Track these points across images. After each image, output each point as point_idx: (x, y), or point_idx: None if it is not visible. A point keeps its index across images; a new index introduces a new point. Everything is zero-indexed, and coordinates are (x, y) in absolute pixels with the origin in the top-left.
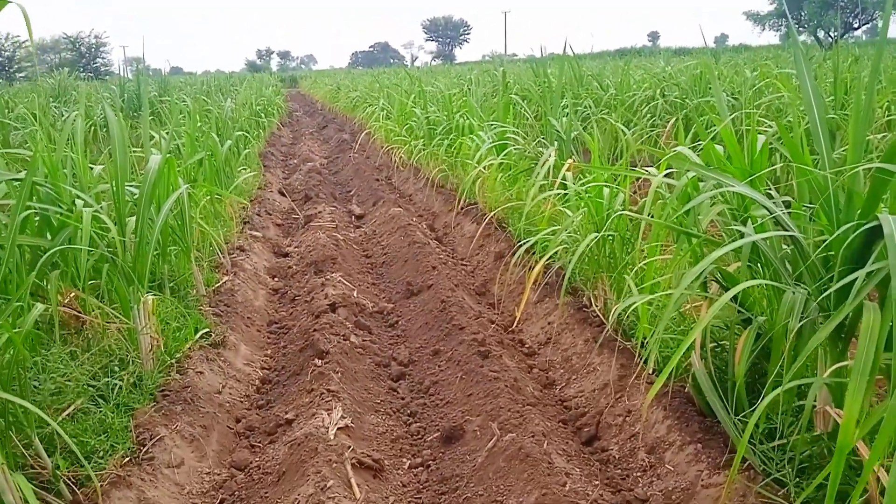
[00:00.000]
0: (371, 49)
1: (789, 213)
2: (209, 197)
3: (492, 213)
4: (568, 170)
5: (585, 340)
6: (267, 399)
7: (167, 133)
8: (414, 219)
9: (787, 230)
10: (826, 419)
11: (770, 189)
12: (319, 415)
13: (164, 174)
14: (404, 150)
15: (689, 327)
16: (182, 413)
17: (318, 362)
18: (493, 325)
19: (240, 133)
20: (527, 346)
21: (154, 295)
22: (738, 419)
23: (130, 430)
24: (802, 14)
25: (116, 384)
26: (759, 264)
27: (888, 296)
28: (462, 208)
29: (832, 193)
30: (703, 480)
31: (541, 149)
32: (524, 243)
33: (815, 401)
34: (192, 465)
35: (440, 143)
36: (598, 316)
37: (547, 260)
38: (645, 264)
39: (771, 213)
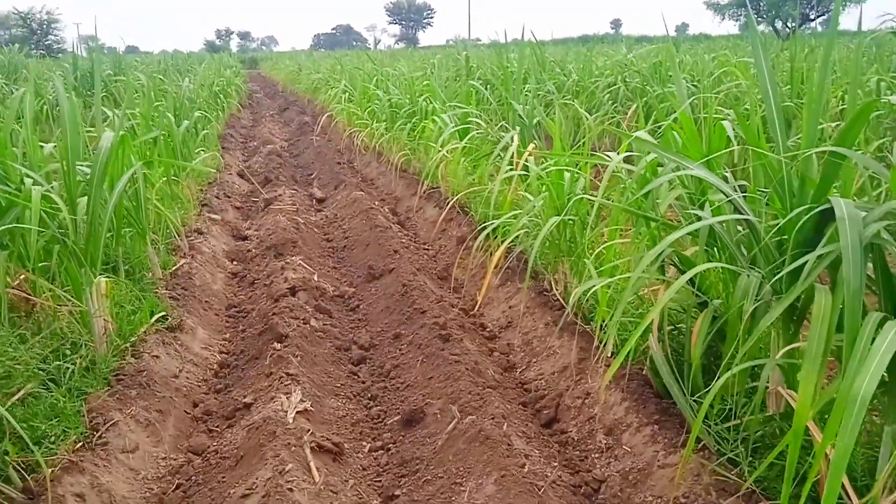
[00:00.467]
0: (333, 31)
1: (745, 197)
2: (165, 178)
3: (454, 198)
4: (530, 154)
5: (546, 324)
6: (225, 383)
7: (122, 112)
8: (376, 203)
9: (742, 214)
10: (778, 400)
11: (727, 172)
12: (278, 398)
13: (118, 154)
14: (367, 133)
15: (648, 310)
16: (137, 397)
17: (278, 346)
18: (454, 309)
19: (198, 114)
20: (488, 329)
21: (108, 277)
22: (694, 400)
23: (83, 415)
24: (761, 4)
25: (68, 368)
26: (715, 248)
27: (839, 278)
28: (425, 192)
29: (786, 178)
30: (659, 461)
31: (503, 133)
32: (486, 227)
33: (767, 382)
34: (148, 450)
35: (403, 127)
36: (558, 300)
37: (509, 244)
38: (604, 248)
39: (727, 197)
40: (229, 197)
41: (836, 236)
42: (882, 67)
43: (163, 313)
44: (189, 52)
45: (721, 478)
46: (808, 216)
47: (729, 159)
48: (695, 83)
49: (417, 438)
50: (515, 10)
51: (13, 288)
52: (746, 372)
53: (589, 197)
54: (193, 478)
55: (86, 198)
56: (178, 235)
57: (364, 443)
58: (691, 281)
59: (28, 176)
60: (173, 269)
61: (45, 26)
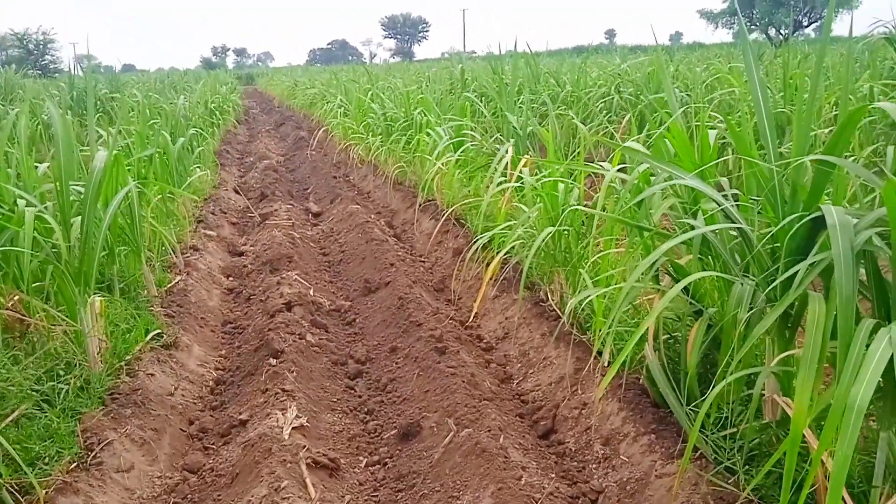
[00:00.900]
0: (329, 46)
1: (738, 205)
2: (161, 196)
3: (450, 210)
4: (524, 165)
5: (542, 334)
6: (221, 400)
7: (115, 131)
8: (372, 216)
9: (734, 222)
10: (774, 407)
11: (721, 179)
12: (274, 415)
13: (113, 172)
14: (362, 147)
15: (643, 319)
16: (132, 416)
17: (273, 362)
18: (450, 321)
19: (194, 131)
20: (484, 341)
21: (102, 296)
22: (691, 409)
23: (77, 435)
24: (754, 12)
25: (62, 388)
26: (709, 257)
27: (832, 285)
28: (420, 205)
29: (777, 186)
30: (657, 470)
31: (498, 145)
32: (481, 239)
33: (763, 389)
34: (143, 469)
35: (398, 140)
36: (554, 310)
37: (504, 255)
38: (599, 258)
39: (720, 206)
40: (225, 213)
41: (829, 244)
42: (874, 73)
43: (158, 331)
44: (185, 70)
45: (718, 487)
46: (800, 224)
47: (724, 167)
48: (688, 92)
49: (414, 452)
50: (510, 22)
51: (7, 309)
52: (742, 380)
53: (583, 208)
54: (189, 496)
55: (80, 217)
56: (174, 252)
57: (361, 458)
58: (686, 289)
59: (21, 197)
60: (169, 286)
61: (41, 46)
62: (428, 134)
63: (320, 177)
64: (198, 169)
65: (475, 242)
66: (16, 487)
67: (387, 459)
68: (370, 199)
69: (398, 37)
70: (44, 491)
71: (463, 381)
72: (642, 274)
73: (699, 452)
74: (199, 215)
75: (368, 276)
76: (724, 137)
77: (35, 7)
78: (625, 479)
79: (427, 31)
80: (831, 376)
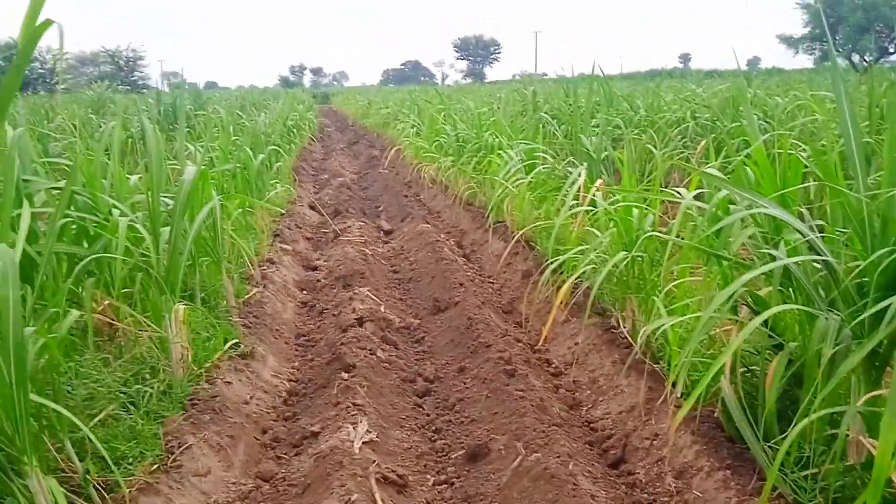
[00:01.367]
0: (402, 67)
1: (822, 237)
2: (241, 210)
3: (520, 232)
4: (598, 189)
5: (613, 362)
6: (293, 411)
7: (202, 146)
8: (442, 235)
9: (820, 254)
10: (860, 449)
11: (802, 209)
12: (345, 428)
13: (199, 186)
14: (433, 167)
15: (719, 351)
16: (210, 422)
17: (345, 376)
18: (519, 344)
19: (272, 147)
20: (553, 365)
21: (185, 305)
22: (769, 446)
23: (160, 438)
24: (837, 38)
25: (147, 391)
26: (790, 289)
27: None
28: (490, 226)
29: (867, 218)
30: None
31: (570, 168)
32: (552, 262)
33: (848, 430)
34: (219, 475)
35: (469, 161)
36: (626, 337)
37: (575, 279)
38: (674, 286)
39: (804, 237)
40: (300, 228)
41: None
42: None
43: (235, 341)
44: (264, 88)
45: None
46: (891, 258)
47: (805, 196)
48: (767, 119)
49: (482, 474)
50: (582, 44)
51: (98, 313)
52: (825, 419)
53: (658, 234)
54: None
55: (168, 228)
56: (252, 265)
57: (428, 476)
58: (765, 322)
59: (115, 207)
60: (246, 297)
61: (131, 63)
62: (499, 156)
63: (392, 195)
64: (276, 184)
65: (545, 265)
66: (101, 485)
67: (454, 479)
68: (440, 218)
69: (470, 58)
70: (127, 490)
71: (532, 405)
72: (720, 305)
73: (777, 491)
74: (276, 229)
75: (437, 295)
76: (806, 166)
77: (131, 28)
78: None
79: (499, 53)
80: None
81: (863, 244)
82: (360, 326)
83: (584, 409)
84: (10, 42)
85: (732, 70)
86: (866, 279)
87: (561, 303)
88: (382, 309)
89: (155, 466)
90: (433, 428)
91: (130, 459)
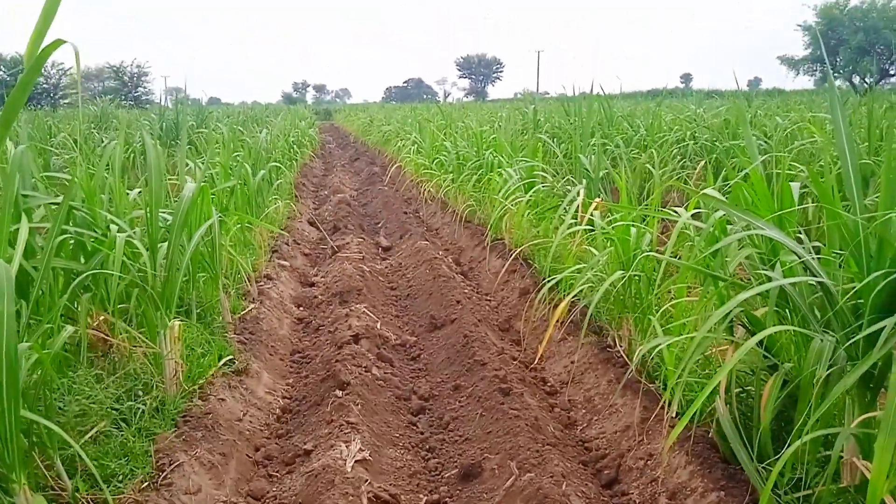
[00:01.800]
0: (405, 84)
1: (819, 258)
2: (240, 226)
3: (518, 250)
4: (596, 208)
5: (609, 381)
6: (287, 428)
7: (202, 162)
8: (440, 252)
9: (815, 276)
10: (853, 471)
11: (800, 232)
12: (338, 446)
13: (198, 203)
14: (433, 183)
15: (715, 371)
16: (202, 440)
17: (339, 393)
18: (515, 362)
19: (273, 164)
20: (549, 384)
21: (181, 321)
22: (763, 467)
23: (150, 455)
24: (838, 59)
25: (139, 408)
26: (786, 310)
27: None
28: (489, 243)
29: (863, 240)
30: None
31: (569, 187)
32: (549, 280)
33: (841, 451)
34: (210, 493)
35: (469, 179)
36: (622, 356)
37: (572, 298)
38: (671, 305)
39: (800, 258)
40: (299, 244)
41: None
42: None
43: (230, 357)
44: (267, 104)
45: None
46: (886, 280)
47: (802, 218)
48: (766, 139)
49: (474, 493)
50: (584, 63)
51: (93, 329)
52: (819, 440)
53: (655, 254)
54: None
55: (166, 244)
56: (249, 281)
57: (421, 495)
58: (760, 343)
59: (113, 222)
60: (242, 313)
61: (135, 79)
62: (499, 174)
63: (391, 212)
64: (276, 200)
65: (543, 284)
66: (91, 503)
67: (447, 499)
68: (439, 235)
69: (472, 76)
70: None
71: (526, 424)
72: (716, 325)
73: None
74: (274, 245)
75: (434, 313)
76: (805, 187)
77: (135, 44)
78: None
79: (501, 72)
80: None
81: (858, 266)
82: (356, 343)
83: (579, 428)
84: (17, 57)
85: (733, 90)
86: (861, 301)
87: (557, 321)
88: (378, 326)
89: (145, 484)
90: (427, 446)
91: (121, 477)
